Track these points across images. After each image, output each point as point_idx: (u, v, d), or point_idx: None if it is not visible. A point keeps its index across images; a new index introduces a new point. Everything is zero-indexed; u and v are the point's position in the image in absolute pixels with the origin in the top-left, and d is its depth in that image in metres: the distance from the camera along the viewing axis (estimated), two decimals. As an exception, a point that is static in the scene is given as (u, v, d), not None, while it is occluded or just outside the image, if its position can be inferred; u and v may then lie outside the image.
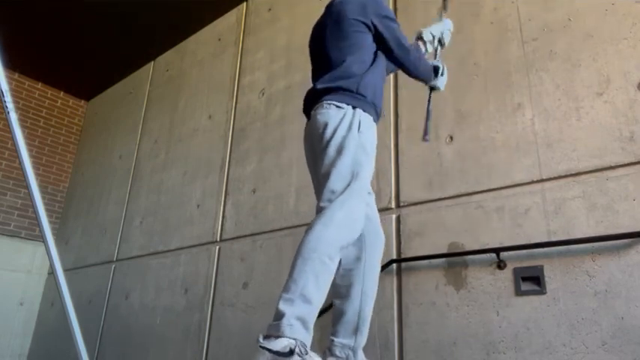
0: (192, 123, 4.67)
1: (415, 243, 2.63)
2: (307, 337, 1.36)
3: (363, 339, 1.69)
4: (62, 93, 6.50)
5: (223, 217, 3.86)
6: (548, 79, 2.45)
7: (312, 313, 1.39)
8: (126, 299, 4.47)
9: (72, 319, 1.53)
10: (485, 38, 2.76)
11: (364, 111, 1.68)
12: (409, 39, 1.87)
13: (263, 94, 4.01)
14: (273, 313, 1.38)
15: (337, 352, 1.65)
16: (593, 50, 2.35)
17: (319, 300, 1.42)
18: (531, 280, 2.19)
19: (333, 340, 1.68)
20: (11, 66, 5.78)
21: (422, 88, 2.07)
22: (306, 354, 1.31)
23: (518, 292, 2.20)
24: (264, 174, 3.69)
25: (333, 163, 1.59)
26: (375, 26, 1.78)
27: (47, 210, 1.67)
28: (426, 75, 1.92)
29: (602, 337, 1.94)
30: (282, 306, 1.37)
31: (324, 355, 1.65)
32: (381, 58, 1.82)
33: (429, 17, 3.05)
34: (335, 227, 1.49)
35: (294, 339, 1.31)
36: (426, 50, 1.98)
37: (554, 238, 2.18)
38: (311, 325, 1.38)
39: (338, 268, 1.57)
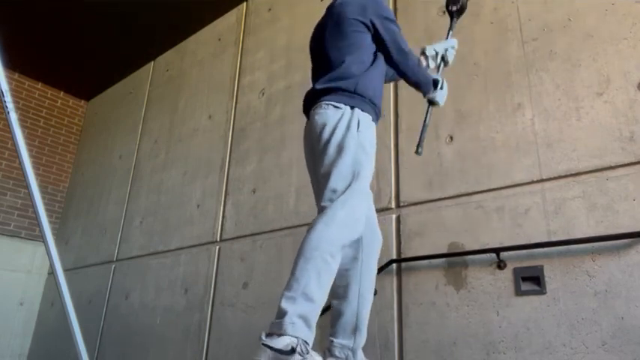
0: (192, 123, 4.67)
1: (415, 243, 2.63)
2: (309, 336, 1.36)
3: (362, 339, 1.69)
4: (62, 93, 6.50)
5: (223, 217, 3.86)
6: (548, 79, 2.45)
7: (314, 311, 1.39)
8: (126, 299, 4.47)
9: (72, 319, 1.53)
10: (485, 38, 2.76)
11: (363, 111, 1.68)
12: (413, 51, 1.86)
13: (263, 94, 4.01)
14: (274, 313, 1.39)
15: (337, 353, 1.66)
16: (593, 50, 2.35)
17: (321, 298, 1.43)
18: (531, 280, 2.19)
19: (332, 341, 1.68)
20: (11, 66, 5.78)
21: (422, 88, 2.07)
22: (307, 353, 1.32)
23: (518, 292, 2.20)
24: (264, 174, 3.69)
25: (333, 163, 1.60)
26: (374, 26, 1.78)
27: (47, 210, 1.67)
28: (425, 83, 1.88)
29: (602, 337, 1.94)
30: (284, 304, 1.37)
31: (323, 355, 1.65)
32: (381, 59, 1.82)
33: (429, 17, 3.05)
34: (336, 226, 1.50)
35: (296, 337, 1.32)
36: (428, 66, 1.97)
37: (554, 238, 2.18)
38: (313, 324, 1.39)
39: None
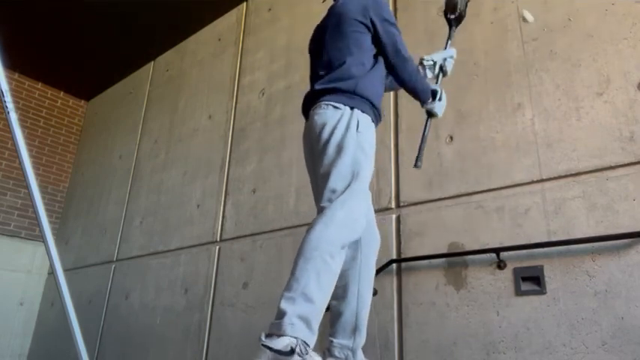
0: (192, 123, 4.67)
1: (415, 243, 2.63)
2: (309, 336, 1.35)
3: (361, 339, 1.69)
4: (62, 93, 6.50)
5: (223, 217, 3.86)
6: (548, 79, 2.45)
7: (314, 312, 1.38)
8: (126, 299, 4.47)
9: (72, 319, 1.53)
10: (486, 38, 2.76)
11: (362, 111, 1.67)
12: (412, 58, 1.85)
13: (263, 94, 4.01)
14: (274, 313, 1.38)
15: (336, 353, 1.66)
16: (593, 50, 2.35)
17: (322, 299, 1.42)
18: (531, 280, 2.19)
19: (332, 341, 1.68)
20: (11, 66, 5.78)
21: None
22: (307, 354, 1.31)
23: (518, 292, 2.20)
24: (264, 174, 3.69)
25: (332, 163, 1.59)
26: (374, 26, 1.77)
27: (47, 210, 1.67)
28: (423, 91, 1.86)
29: (602, 337, 1.94)
30: (283, 305, 1.37)
31: (323, 356, 1.65)
32: (381, 64, 1.81)
33: (429, 17, 3.05)
34: (336, 226, 1.49)
35: (296, 338, 1.31)
36: (425, 75, 1.95)
37: (554, 238, 2.18)
38: (314, 325, 1.38)
39: None
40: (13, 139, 1.63)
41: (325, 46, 1.82)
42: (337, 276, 1.50)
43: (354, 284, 1.69)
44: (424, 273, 2.54)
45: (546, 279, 2.14)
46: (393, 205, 2.82)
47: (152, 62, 5.74)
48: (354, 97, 1.68)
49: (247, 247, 3.54)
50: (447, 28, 2.17)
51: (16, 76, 6.01)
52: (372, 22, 1.77)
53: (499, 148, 2.50)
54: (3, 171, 5.68)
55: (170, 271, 4.12)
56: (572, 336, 2.01)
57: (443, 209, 2.60)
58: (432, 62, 1.97)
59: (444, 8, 2.19)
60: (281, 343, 1.29)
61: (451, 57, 2.01)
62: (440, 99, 1.89)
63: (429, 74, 1.97)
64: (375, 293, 1.90)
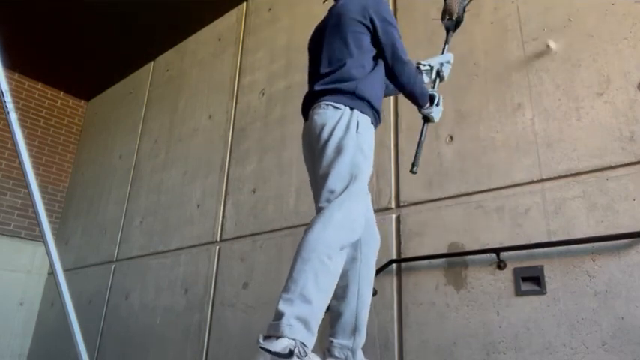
0: (192, 123, 4.67)
1: (415, 243, 2.63)
2: (308, 338, 1.35)
3: (361, 339, 1.69)
4: (62, 93, 6.50)
5: (223, 217, 3.86)
6: (548, 79, 2.45)
7: (312, 313, 1.37)
8: (126, 299, 4.47)
9: (72, 319, 1.53)
10: (486, 38, 2.76)
11: (362, 112, 1.67)
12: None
13: (263, 94, 4.01)
14: (273, 313, 1.38)
15: (336, 353, 1.66)
16: (593, 50, 2.35)
17: (321, 300, 1.41)
18: (531, 280, 2.19)
19: (332, 341, 1.68)
20: (11, 66, 5.78)
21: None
22: (306, 355, 1.30)
23: (518, 292, 2.20)
24: (264, 174, 3.69)
25: (331, 164, 1.59)
26: (373, 26, 1.76)
27: (47, 210, 1.67)
28: (421, 95, 1.85)
29: (602, 337, 1.94)
30: (281, 306, 1.36)
31: (323, 356, 1.65)
32: (381, 67, 1.80)
33: (429, 17, 3.05)
34: (333, 227, 1.48)
35: (294, 339, 1.30)
36: (422, 80, 1.94)
37: (554, 238, 2.18)
38: (313, 326, 1.37)
39: None
40: (13, 139, 1.63)
41: (325, 47, 1.81)
42: (337, 277, 1.49)
43: (353, 284, 1.69)
44: (424, 273, 2.54)
45: (546, 279, 2.14)
46: (393, 205, 2.82)
47: (152, 62, 5.74)
48: (354, 97, 1.67)
49: (247, 247, 3.54)
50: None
51: (16, 76, 6.01)
52: (371, 21, 1.76)
53: (499, 148, 2.50)
54: (3, 171, 5.68)
55: (170, 271, 4.12)
56: (572, 336, 2.01)
57: (443, 209, 2.60)
58: (428, 67, 1.97)
59: (441, 13, 2.19)
60: (279, 345, 1.28)
61: (448, 62, 2.01)
62: (438, 104, 1.89)
63: (426, 79, 1.97)
64: (375, 293, 1.91)
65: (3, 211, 5.63)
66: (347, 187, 1.56)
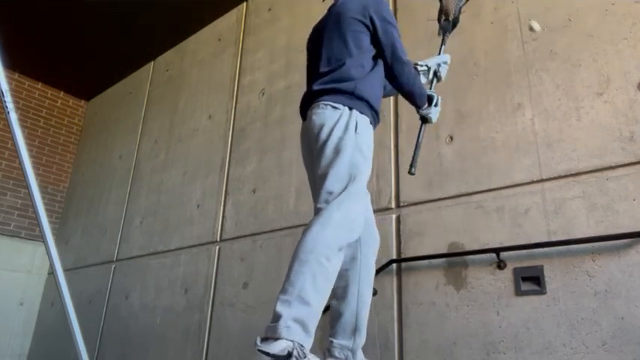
0: (192, 123, 4.67)
1: (415, 243, 2.63)
2: (306, 339, 1.34)
3: (361, 339, 1.69)
4: (62, 93, 6.50)
5: (223, 217, 3.86)
6: (548, 79, 2.45)
7: (310, 314, 1.37)
8: (126, 299, 4.47)
9: (72, 319, 1.53)
10: (486, 38, 2.76)
11: (361, 112, 1.66)
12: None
13: (263, 94, 4.01)
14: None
15: (336, 353, 1.65)
16: (593, 50, 2.35)
17: (318, 301, 1.40)
18: (531, 280, 2.19)
19: (332, 342, 1.67)
20: (11, 66, 5.78)
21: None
22: (305, 357, 1.30)
23: (518, 292, 2.20)
24: (264, 174, 3.69)
25: (330, 164, 1.58)
26: (373, 25, 1.75)
27: (47, 210, 1.67)
28: (419, 95, 1.84)
29: (602, 337, 1.94)
30: (279, 308, 1.35)
31: (323, 356, 1.65)
32: (380, 67, 1.80)
33: (429, 17, 3.05)
34: (332, 228, 1.48)
35: (292, 341, 1.30)
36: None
37: (554, 238, 2.18)
38: (311, 327, 1.36)
39: None
40: (13, 139, 1.63)
41: (324, 46, 1.81)
42: (335, 278, 1.48)
43: (353, 284, 1.68)
44: (424, 273, 2.54)
45: (546, 279, 2.14)
46: (393, 205, 2.82)
47: (152, 62, 5.74)
48: (353, 97, 1.67)
49: (247, 247, 3.54)
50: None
51: (16, 76, 6.01)
52: (371, 20, 1.76)
53: (499, 148, 2.50)
54: (3, 171, 5.68)
55: (170, 271, 4.12)
56: (572, 336, 2.01)
57: (443, 209, 2.60)
58: (425, 68, 1.97)
59: (437, 14, 2.19)
60: (277, 347, 1.28)
61: (445, 63, 2.01)
62: (436, 104, 1.89)
63: (423, 79, 1.97)
64: (375, 293, 1.90)
65: (3, 211, 5.63)
66: (346, 187, 1.55)
